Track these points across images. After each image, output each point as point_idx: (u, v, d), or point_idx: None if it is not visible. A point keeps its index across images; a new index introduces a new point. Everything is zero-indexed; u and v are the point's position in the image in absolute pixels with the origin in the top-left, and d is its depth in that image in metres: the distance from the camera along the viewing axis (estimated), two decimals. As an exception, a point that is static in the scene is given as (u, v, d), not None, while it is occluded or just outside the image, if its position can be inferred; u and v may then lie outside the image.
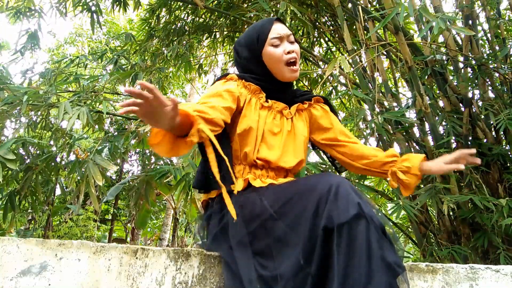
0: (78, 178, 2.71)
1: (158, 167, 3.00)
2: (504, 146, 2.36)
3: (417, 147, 2.68)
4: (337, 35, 3.57)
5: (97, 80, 3.15)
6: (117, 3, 3.77)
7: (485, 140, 2.44)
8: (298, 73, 1.32)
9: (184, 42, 3.99)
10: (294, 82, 1.50)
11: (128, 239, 9.93)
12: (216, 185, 1.10)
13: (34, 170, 2.81)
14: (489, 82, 2.58)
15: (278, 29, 1.32)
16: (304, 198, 0.99)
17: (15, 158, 2.47)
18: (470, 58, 2.46)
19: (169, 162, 3.25)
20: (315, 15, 3.50)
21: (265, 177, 1.22)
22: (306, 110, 1.39)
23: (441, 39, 2.80)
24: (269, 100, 1.31)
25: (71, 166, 2.75)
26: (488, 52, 2.82)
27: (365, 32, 2.58)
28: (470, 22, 2.51)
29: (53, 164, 2.97)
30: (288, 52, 1.29)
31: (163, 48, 4.06)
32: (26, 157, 2.97)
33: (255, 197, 1.10)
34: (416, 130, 2.71)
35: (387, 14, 2.00)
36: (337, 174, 1.57)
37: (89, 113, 2.58)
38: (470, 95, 2.53)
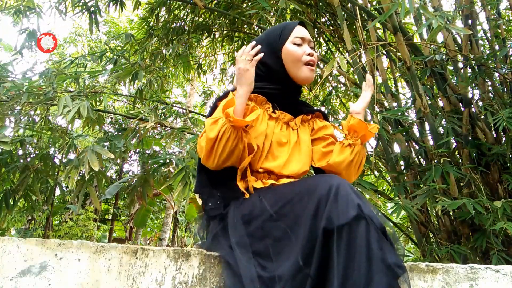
0: (77, 177, 2.70)
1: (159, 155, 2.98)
2: (504, 146, 2.36)
3: (417, 147, 2.68)
4: (336, 35, 3.57)
5: (97, 78, 3.14)
6: (114, 2, 3.77)
7: (484, 140, 2.44)
8: (313, 76, 1.32)
9: (184, 41, 3.99)
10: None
11: (127, 240, 9.94)
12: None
13: (30, 169, 2.81)
14: (489, 82, 2.58)
15: (302, 31, 1.34)
16: (304, 199, 0.99)
17: (8, 141, 2.48)
18: (470, 58, 2.46)
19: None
20: (315, 14, 3.50)
21: (266, 179, 1.22)
22: (308, 121, 1.40)
23: (440, 39, 2.80)
24: (276, 111, 1.31)
25: (70, 163, 2.73)
26: (488, 52, 2.82)
27: (365, 32, 2.58)
28: (470, 22, 2.51)
29: (50, 163, 2.97)
30: (309, 54, 1.30)
31: (162, 48, 4.06)
32: (23, 158, 2.96)
33: (255, 198, 1.10)
34: (416, 130, 2.71)
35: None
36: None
37: (90, 107, 2.56)
38: (469, 95, 2.53)
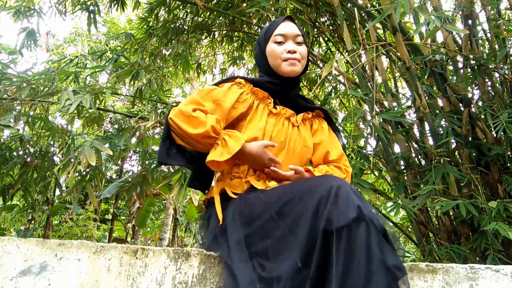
0: (73, 175, 2.69)
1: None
2: (504, 146, 2.36)
3: (417, 147, 2.68)
4: (336, 35, 3.57)
5: (97, 77, 3.14)
6: (115, 2, 3.77)
7: (484, 141, 2.44)
8: (298, 69, 1.32)
9: (183, 41, 3.99)
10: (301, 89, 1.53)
11: (128, 239, 9.94)
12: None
13: (29, 165, 2.81)
14: (489, 82, 2.58)
15: (285, 27, 1.33)
16: (304, 199, 0.98)
17: (14, 125, 2.47)
18: (470, 58, 2.46)
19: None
20: (315, 14, 3.50)
21: (269, 180, 1.22)
22: (309, 120, 1.40)
23: (440, 39, 2.80)
24: (277, 107, 1.32)
25: (67, 155, 2.69)
26: (488, 52, 2.82)
27: (365, 32, 2.58)
28: (470, 22, 2.51)
29: (49, 161, 2.96)
30: (289, 51, 1.30)
31: (162, 48, 4.06)
32: (22, 157, 2.96)
33: (255, 198, 1.10)
34: (416, 131, 2.71)
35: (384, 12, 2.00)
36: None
37: (92, 101, 2.55)
38: (469, 95, 2.53)
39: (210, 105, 1.24)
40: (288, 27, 1.33)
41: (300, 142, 1.31)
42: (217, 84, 1.34)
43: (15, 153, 2.98)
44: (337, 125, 1.54)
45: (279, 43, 1.32)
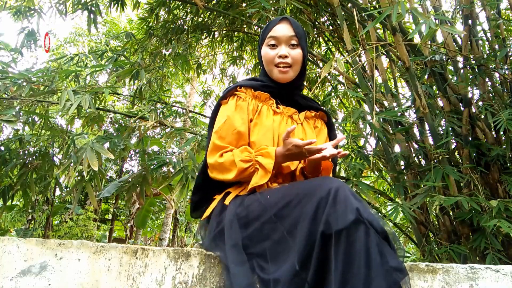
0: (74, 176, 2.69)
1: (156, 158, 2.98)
2: (504, 146, 2.36)
3: (417, 147, 2.68)
4: (336, 35, 3.57)
5: (97, 77, 3.13)
6: (115, 1, 3.77)
7: (484, 140, 2.44)
8: (289, 76, 1.31)
9: (183, 41, 3.99)
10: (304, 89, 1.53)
11: (128, 238, 9.94)
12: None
13: (29, 166, 2.81)
14: (489, 82, 2.58)
15: (278, 30, 1.31)
16: (303, 201, 0.98)
17: (15, 120, 2.47)
18: (470, 58, 2.46)
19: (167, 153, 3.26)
20: (315, 14, 3.50)
21: (272, 182, 1.22)
22: (312, 118, 1.40)
23: (440, 39, 2.80)
24: (280, 106, 1.33)
25: (68, 158, 2.68)
26: (488, 52, 2.82)
27: (365, 32, 2.58)
28: (470, 22, 2.51)
29: (49, 161, 2.96)
30: (280, 56, 1.28)
31: (162, 48, 4.06)
32: (22, 157, 2.97)
33: (253, 200, 1.10)
34: (416, 131, 2.71)
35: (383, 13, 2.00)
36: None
37: (91, 101, 2.54)
38: (469, 95, 2.53)
39: (230, 137, 1.24)
40: (282, 29, 1.30)
41: (304, 139, 1.30)
42: (221, 100, 1.33)
43: (14, 154, 2.98)
44: (336, 125, 1.54)
45: (272, 46, 1.30)
